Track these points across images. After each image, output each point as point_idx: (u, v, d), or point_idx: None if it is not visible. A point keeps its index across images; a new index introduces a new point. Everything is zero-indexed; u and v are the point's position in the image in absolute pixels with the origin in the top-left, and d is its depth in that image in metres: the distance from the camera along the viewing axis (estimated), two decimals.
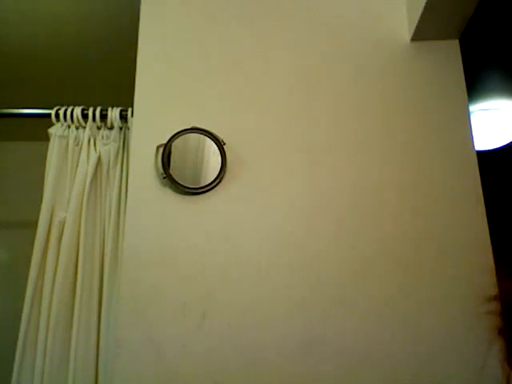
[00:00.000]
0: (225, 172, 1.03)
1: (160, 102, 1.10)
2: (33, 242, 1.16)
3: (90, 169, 1.19)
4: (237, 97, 1.10)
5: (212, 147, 1.03)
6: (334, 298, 0.95)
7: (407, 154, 1.04)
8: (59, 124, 1.25)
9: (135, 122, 1.09)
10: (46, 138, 1.25)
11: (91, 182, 1.19)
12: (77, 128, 1.25)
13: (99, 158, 1.21)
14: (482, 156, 1.08)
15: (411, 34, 1.10)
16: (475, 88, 1.58)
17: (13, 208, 2.14)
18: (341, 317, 0.94)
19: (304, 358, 0.91)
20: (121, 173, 1.21)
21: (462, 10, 1.03)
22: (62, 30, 1.62)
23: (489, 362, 0.88)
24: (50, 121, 1.25)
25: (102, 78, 1.86)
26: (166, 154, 1.02)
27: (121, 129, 1.25)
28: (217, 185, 1.02)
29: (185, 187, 1.01)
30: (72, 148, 1.22)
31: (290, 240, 0.99)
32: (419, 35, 1.10)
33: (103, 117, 1.24)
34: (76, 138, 1.23)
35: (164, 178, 1.01)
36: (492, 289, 0.92)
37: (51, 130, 1.25)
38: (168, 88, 1.11)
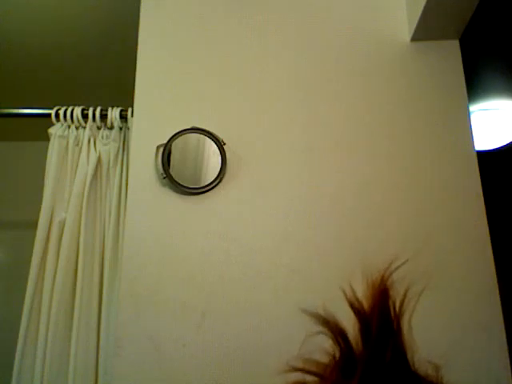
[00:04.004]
0: (225, 172, 1.03)
1: (160, 102, 1.10)
2: (33, 242, 1.16)
3: (90, 169, 1.19)
4: (237, 97, 1.10)
5: (212, 147, 1.03)
6: (334, 299, 0.95)
7: (407, 154, 1.04)
8: (59, 124, 1.25)
9: (135, 122, 1.09)
10: (46, 138, 1.25)
11: (91, 182, 1.19)
12: (77, 128, 1.25)
13: (99, 158, 1.21)
14: (482, 156, 1.08)
15: (411, 34, 1.10)
16: (475, 88, 1.58)
17: (13, 208, 2.14)
18: (341, 318, 0.94)
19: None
20: (121, 173, 1.21)
21: (462, 10, 1.02)
22: (62, 30, 1.62)
23: None
24: (50, 121, 1.25)
25: (102, 77, 1.86)
26: (165, 154, 1.02)
27: (121, 129, 1.25)
28: (217, 185, 1.02)
29: (185, 187, 1.01)
30: (72, 148, 1.22)
31: (290, 240, 0.99)
32: (419, 35, 1.10)
33: (103, 117, 1.24)
34: (76, 138, 1.23)
35: (164, 178, 1.01)
36: None
37: (51, 130, 1.25)
38: (168, 88, 1.11)
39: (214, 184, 1.02)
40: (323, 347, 0.47)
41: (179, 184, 1.01)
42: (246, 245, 0.99)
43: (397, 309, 0.49)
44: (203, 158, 1.04)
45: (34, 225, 1.17)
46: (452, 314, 0.93)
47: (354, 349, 0.46)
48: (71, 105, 1.26)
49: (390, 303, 0.49)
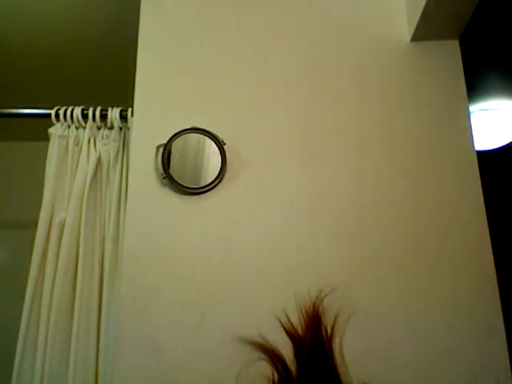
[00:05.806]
0: (225, 172, 1.03)
1: (160, 102, 1.10)
2: (33, 242, 1.16)
3: (90, 169, 1.19)
4: (237, 97, 1.10)
5: (212, 147, 1.03)
6: (333, 298, 0.95)
7: (407, 154, 1.04)
8: (59, 124, 1.25)
9: (135, 122, 1.09)
10: (46, 138, 1.25)
11: (91, 182, 1.19)
12: (77, 128, 1.25)
13: (99, 158, 1.21)
14: (482, 156, 1.08)
15: (411, 34, 1.10)
16: (475, 88, 1.58)
17: (13, 208, 2.14)
18: (340, 317, 0.94)
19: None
20: (121, 173, 1.21)
21: (461, 10, 1.03)
22: (62, 30, 1.62)
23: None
24: (50, 121, 1.25)
25: (102, 77, 1.86)
26: (165, 154, 1.02)
27: (121, 129, 1.25)
28: (217, 185, 1.02)
29: (185, 187, 1.01)
30: (72, 148, 1.22)
31: (290, 240, 0.99)
32: (419, 35, 1.10)
33: (103, 117, 1.24)
34: (76, 138, 1.23)
35: (164, 178, 1.01)
36: None
37: (51, 130, 1.25)
38: (168, 88, 1.11)
39: (214, 184, 1.02)
40: (263, 373, 0.50)
41: (179, 184, 1.01)
42: (245, 245, 0.99)
43: (328, 333, 0.53)
44: (203, 158, 1.04)
45: (34, 225, 1.17)
46: (452, 314, 0.93)
47: (291, 372, 0.50)
48: (71, 105, 1.26)
49: (322, 328, 0.54)
